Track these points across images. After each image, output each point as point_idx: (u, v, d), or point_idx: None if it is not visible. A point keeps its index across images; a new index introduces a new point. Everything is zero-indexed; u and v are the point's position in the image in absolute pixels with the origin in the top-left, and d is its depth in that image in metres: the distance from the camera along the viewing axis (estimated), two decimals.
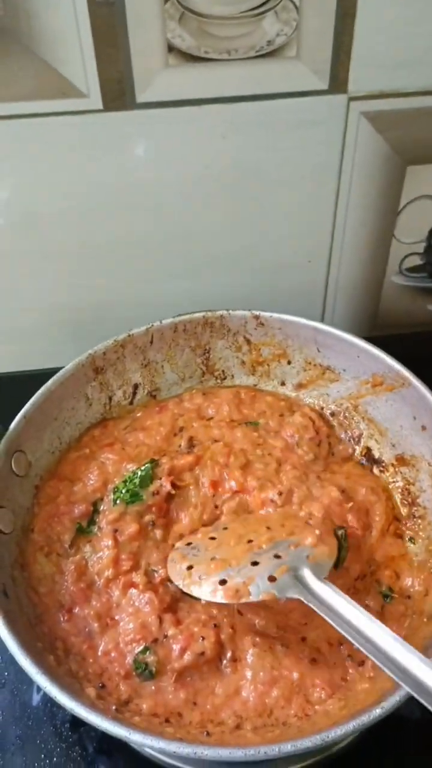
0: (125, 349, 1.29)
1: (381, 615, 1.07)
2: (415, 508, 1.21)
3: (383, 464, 1.27)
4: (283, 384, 1.38)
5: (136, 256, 1.39)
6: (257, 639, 1.04)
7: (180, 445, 1.24)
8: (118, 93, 1.16)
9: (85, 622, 1.05)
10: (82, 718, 0.85)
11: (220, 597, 0.99)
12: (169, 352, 1.34)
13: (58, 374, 1.22)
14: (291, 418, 1.28)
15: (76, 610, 1.06)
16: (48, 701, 1.17)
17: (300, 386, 1.37)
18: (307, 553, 1.03)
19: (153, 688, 1.00)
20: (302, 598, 0.96)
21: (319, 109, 1.21)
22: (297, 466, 1.21)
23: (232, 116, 1.21)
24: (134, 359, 1.31)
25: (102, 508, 1.15)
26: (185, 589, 1.04)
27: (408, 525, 1.20)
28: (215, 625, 1.04)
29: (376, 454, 1.28)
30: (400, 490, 1.24)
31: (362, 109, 1.22)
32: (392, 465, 1.26)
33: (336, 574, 1.06)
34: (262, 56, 1.14)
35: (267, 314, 1.31)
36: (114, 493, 1.15)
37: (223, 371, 1.38)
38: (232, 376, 1.39)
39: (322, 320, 1.40)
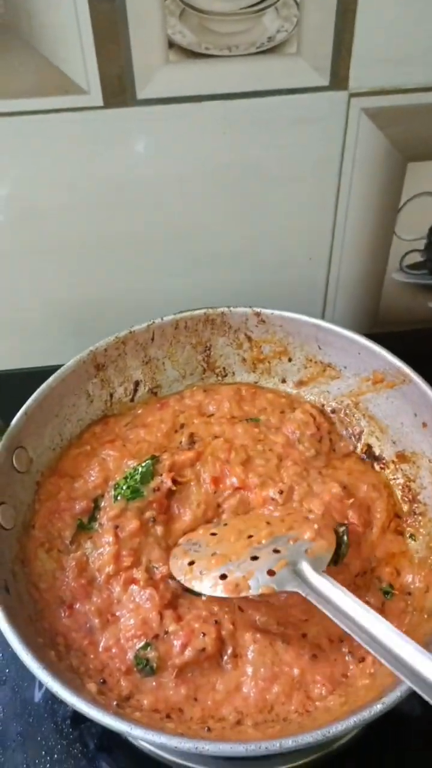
0: (126, 346, 1.29)
1: (381, 612, 1.07)
2: (416, 505, 1.21)
3: (384, 461, 1.27)
4: (283, 381, 1.38)
5: (136, 252, 1.39)
6: (258, 635, 1.04)
7: (181, 442, 1.24)
8: (119, 89, 1.16)
9: (86, 618, 1.06)
10: (84, 713, 0.85)
11: (220, 591, 1.00)
12: (170, 349, 1.34)
13: (59, 371, 1.22)
14: (292, 415, 1.28)
15: (77, 606, 1.06)
16: (49, 698, 1.17)
17: (301, 383, 1.37)
18: (306, 548, 1.04)
19: (154, 683, 1.00)
20: (300, 591, 0.97)
21: (320, 106, 1.21)
22: (298, 462, 1.21)
23: (232, 113, 1.21)
24: (135, 356, 1.31)
25: (103, 504, 1.15)
26: (187, 584, 1.05)
27: (408, 522, 1.20)
28: (216, 622, 1.04)
29: (377, 451, 1.28)
30: (400, 487, 1.24)
31: (363, 106, 1.22)
32: (393, 462, 1.26)
33: (336, 570, 1.06)
34: (263, 52, 1.14)
35: (268, 311, 1.31)
36: (115, 489, 1.15)
37: (224, 368, 1.39)
38: (233, 373, 1.39)
39: (322, 317, 1.40)
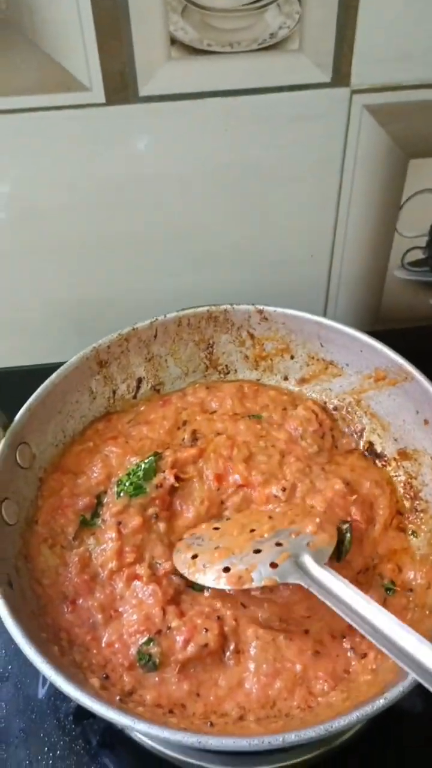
0: (129, 343, 1.29)
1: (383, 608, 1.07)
2: (418, 502, 1.21)
3: (385, 458, 1.27)
4: (286, 379, 1.38)
5: (137, 252, 1.39)
6: (260, 631, 1.04)
7: (183, 439, 1.24)
8: (121, 86, 1.16)
9: (89, 613, 1.06)
10: (87, 707, 0.85)
11: (223, 584, 1.01)
12: (172, 347, 1.34)
13: (63, 367, 1.22)
14: (294, 412, 1.28)
15: (80, 601, 1.07)
16: (52, 694, 1.17)
17: (303, 381, 1.37)
18: (308, 541, 1.05)
19: (156, 679, 1.00)
20: (303, 583, 0.98)
21: (322, 103, 1.21)
22: (301, 458, 1.21)
23: (234, 109, 1.21)
24: (138, 353, 1.32)
25: (106, 500, 1.15)
26: (190, 577, 1.05)
27: (410, 519, 1.20)
28: (219, 618, 1.04)
29: (379, 449, 1.28)
30: (402, 484, 1.24)
31: (365, 102, 1.22)
32: (394, 459, 1.26)
33: (339, 567, 1.06)
34: (265, 49, 1.15)
35: (271, 309, 1.31)
36: (118, 485, 1.15)
37: (226, 366, 1.39)
38: (236, 370, 1.39)
39: (324, 315, 1.40)
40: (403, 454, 1.25)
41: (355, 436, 1.31)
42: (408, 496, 1.22)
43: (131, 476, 1.15)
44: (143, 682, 1.00)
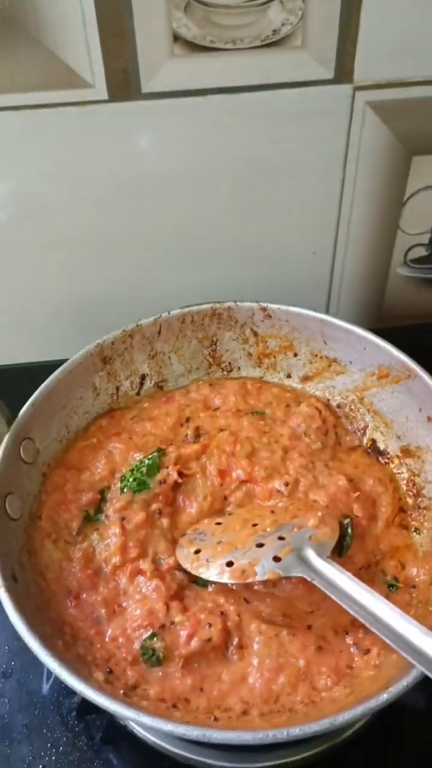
0: (133, 339, 1.30)
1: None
2: (420, 499, 1.21)
3: (388, 456, 1.27)
4: (289, 376, 1.38)
5: (140, 247, 1.39)
6: (263, 626, 1.04)
7: (186, 435, 1.25)
8: (124, 83, 1.16)
9: (93, 608, 1.06)
10: (92, 700, 0.85)
11: (227, 578, 1.02)
12: (176, 343, 1.34)
13: (67, 363, 1.22)
14: (297, 409, 1.29)
15: (84, 596, 1.07)
16: (55, 690, 1.17)
17: (306, 378, 1.37)
18: (310, 534, 1.05)
19: (160, 674, 1.00)
20: (306, 576, 0.99)
21: (325, 99, 1.22)
22: (304, 454, 1.21)
23: (237, 106, 1.21)
24: (142, 350, 1.32)
25: (109, 496, 1.15)
26: (193, 572, 1.05)
27: (413, 516, 1.20)
28: (222, 613, 1.04)
29: (381, 446, 1.28)
30: (405, 481, 1.24)
31: (368, 99, 1.22)
32: (397, 457, 1.26)
33: (341, 562, 1.06)
34: (268, 45, 1.15)
35: (274, 306, 1.31)
36: (121, 481, 1.15)
37: (229, 363, 1.39)
38: (239, 368, 1.39)
39: (326, 312, 1.40)
40: (406, 452, 1.25)
41: (358, 433, 1.31)
42: (411, 493, 1.22)
43: (135, 472, 1.15)
44: (147, 676, 1.00)
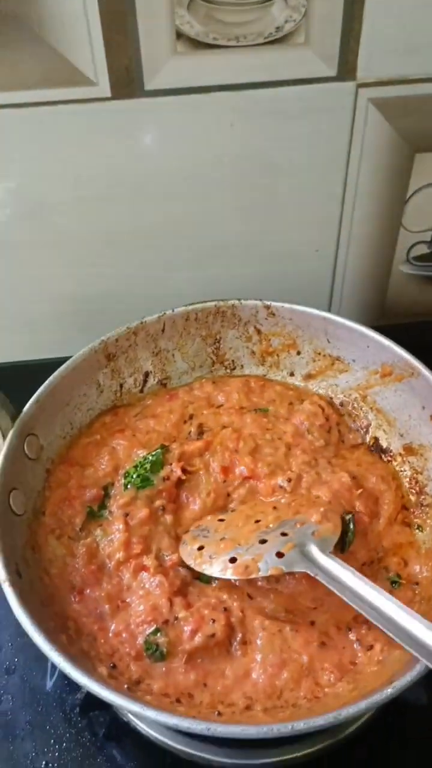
0: (137, 337, 1.30)
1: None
2: (423, 497, 1.21)
3: (391, 453, 1.27)
4: (292, 374, 1.38)
5: (142, 245, 1.39)
6: (267, 622, 1.04)
7: (190, 432, 1.25)
8: (127, 80, 1.17)
9: (96, 603, 1.06)
10: (96, 694, 0.85)
11: (230, 573, 1.02)
12: (180, 341, 1.34)
13: (71, 360, 1.23)
14: (301, 406, 1.29)
15: (88, 591, 1.07)
16: (58, 687, 1.17)
17: (309, 377, 1.37)
18: (313, 530, 1.05)
19: (164, 669, 1.00)
20: (309, 572, 0.99)
21: (328, 96, 1.22)
22: (307, 451, 1.21)
23: (240, 104, 1.21)
24: (146, 347, 1.32)
25: (113, 492, 1.16)
26: (197, 568, 1.06)
27: (416, 513, 1.20)
28: (225, 609, 1.05)
29: (384, 444, 1.28)
30: (408, 479, 1.24)
31: (371, 96, 1.22)
32: (400, 455, 1.26)
33: (343, 558, 1.06)
34: (271, 43, 1.15)
35: (278, 304, 1.31)
36: (125, 478, 1.16)
37: (232, 361, 1.39)
38: (242, 366, 1.39)
39: (329, 309, 1.40)
40: (409, 450, 1.25)
41: (361, 431, 1.31)
42: (414, 491, 1.22)
43: (138, 468, 1.15)
44: (150, 671, 1.00)
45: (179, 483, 1.17)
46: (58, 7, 1.09)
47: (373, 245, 1.44)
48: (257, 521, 1.09)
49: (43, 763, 1.10)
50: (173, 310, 1.30)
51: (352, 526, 1.11)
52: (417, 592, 1.10)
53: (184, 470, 1.17)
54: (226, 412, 1.27)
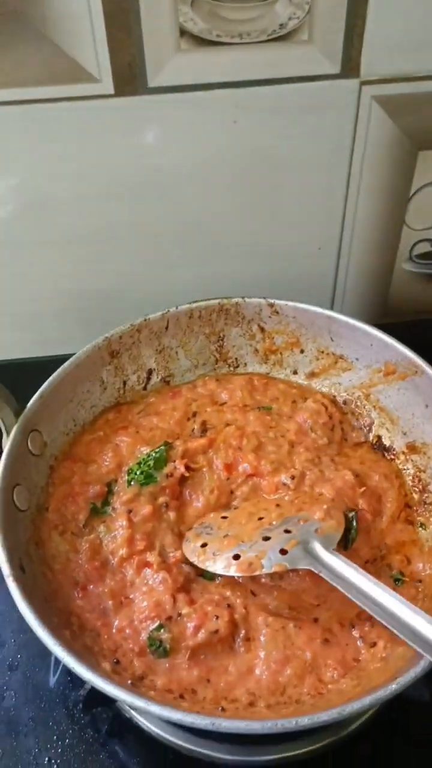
0: (141, 334, 1.30)
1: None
2: (426, 495, 1.21)
3: (394, 452, 1.27)
4: (295, 373, 1.38)
5: (144, 242, 1.40)
6: (270, 619, 1.04)
7: (193, 430, 1.25)
8: (130, 78, 1.17)
9: (100, 599, 1.06)
10: (100, 689, 0.85)
11: (233, 571, 1.02)
12: (183, 339, 1.34)
13: (75, 356, 1.23)
14: (304, 404, 1.29)
15: (91, 587, 1.07)
16: (61, 684, 1.17)
17: (312, 375, 1.37)
18: (316, 527, 1.05)
19: (167, 665, 1.00)
20: (313, 569, 0.99)
21: (331, 94, 1.22)
22: (310, 449, 1.22)
23: (243, 101, 1.21)
24: (149, 344, 1.32)
25: (116, 489, 1.16)
26: (200, 565, 1.05)
27: (419, 511, 1.20)
28: (228, 605, 1.04)
29: (387, 443, 1.28)
30: (411, 477, 1.24)
31: (374, 94, 1.22)
32: (403, 453, 1.26)
33: (346, 555, 1.06)
34: (274, 40, 1.15)
35: (282, 302, 1.31)
36: (128, 474, 1.16)
37: (236, 359, 1.39)
38: (245, 364, 1.39)
39: (331, 307, 1.41)
40: (412, 448, 1.25)
41: (364, 429, 1.31)
42: (417, 489, 1.22)
43: (142, 465, 1.15)
44: (154, 667, 1.00)
45: (182, 480, 1.17)
46: (62, 4, 1.09)
47: (376, 243, 1.44)
48: (260, 518, 1.09)
49: (46, 759, 1.10)
50: (177, 308, 1.30)
51: (355, 524, 1.11)
52: (420, 589, 1.10)
53: (187, 467, 1.17)
54: (230, 410, 1.27)
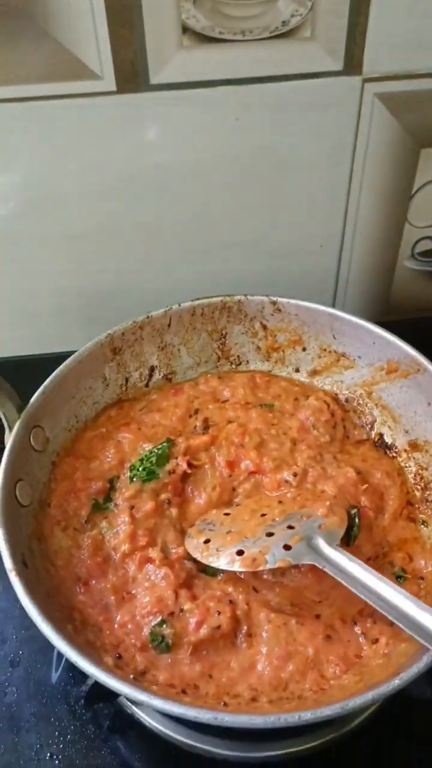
0: (143, 331, 1.30)
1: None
2: (428, 493, 1.21)
3: (396, 450, 1.27)
4: (297, 371, 1.38)
5: (146, 240, 1.40)
6: (272, 615, 1.04)
7: (195, 427, 1.25)
8: (132, 75, 1.17)
9: (102, 595, 1.06)
10: (103, 683, 0.85)
11: (237, 566, 1.02)
12: (185, 336, 1.34)
13: (77, 353, 1.23)
14: (306, 402, 1.29)
15: (93, 583, 1.07)
16: (63, 680, 1.17)
17: (314, 373, 1.37)
18: (319, 523, 1.05)
19: (169, 660, 1.00)
20: (317, 564, 0.99)
21: (333, 91, 1.22)
22: (312, 446, 1.22)
23: (245, 98, 1.22)
24: (151, 341, 1.32)
25: (118, 485, 1.16)
26: (203, 561, 1.05)
27: (421, 509, 1.20)
28: (231, 601, 1.05)
29: (389, 440, 1.29)
30: (413, 475, 1.24)
31: (376, 91, 1.22)
32: (405, 451, 1.26)
33: (348, 552, 1.06)
34: (277, 37, 1.15)
35: (284, 300, 1.32)
36: (131, 471, 1.16)
37: (238, 357, 1.39)
38: (247, 361, 1.39)
39: (333, 305, 1.40)
40: (414, 446, 1.25)
41: (366, 427, 1.31)
42: (419, 487, 1.22)
43: (144, 462, 1.16)
44: (156, 662, 1.00)
45: (185, 477, 1.17)
46: (64, 1, 1.09)
47: (378, 241, 1.44)
48: (263, 515, 1.09)
49: (48, 754, 1.10)
50: (179, 305, 1.30)
51: (357, 521, 1.11)
52: (422, 586, 1.10)
53: (189, 464, 1.17)
54: (232, 407, 1.27)
